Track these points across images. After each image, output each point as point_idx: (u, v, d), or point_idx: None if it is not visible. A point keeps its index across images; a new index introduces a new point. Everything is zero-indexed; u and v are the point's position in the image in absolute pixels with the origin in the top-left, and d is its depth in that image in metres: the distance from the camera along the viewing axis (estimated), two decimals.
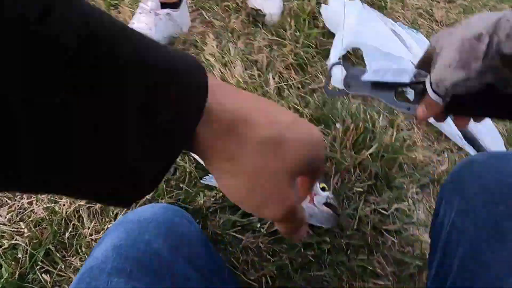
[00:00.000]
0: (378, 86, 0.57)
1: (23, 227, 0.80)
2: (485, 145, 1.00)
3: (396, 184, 0.87)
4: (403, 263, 0.84)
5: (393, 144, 0.89)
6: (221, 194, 0.83)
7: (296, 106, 0.90)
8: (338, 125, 0.87)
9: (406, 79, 0.53)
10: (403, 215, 0.87)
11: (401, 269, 0.84)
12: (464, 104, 0.50)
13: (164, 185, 0.85)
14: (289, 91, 0.93)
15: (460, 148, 1.00)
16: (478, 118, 0.53)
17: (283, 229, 0.38)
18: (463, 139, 0.99)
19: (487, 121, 1.03)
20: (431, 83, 0.48)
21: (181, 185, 0.85)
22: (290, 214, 0.34)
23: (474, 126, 1.01)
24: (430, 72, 0.48)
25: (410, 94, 0.56)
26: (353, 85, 0.60)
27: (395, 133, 0.90)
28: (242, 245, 0.80)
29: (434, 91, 0.48)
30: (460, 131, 0.99)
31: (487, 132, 1.03)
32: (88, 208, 0.83)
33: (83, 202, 0.82)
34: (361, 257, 0.82)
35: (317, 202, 0.80)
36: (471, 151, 1.01)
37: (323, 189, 0.81)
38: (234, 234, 0.81)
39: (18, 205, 0.85)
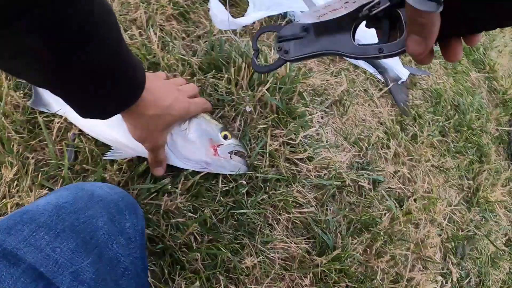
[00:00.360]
0: (326, 31, 0.44)
1: None
2: (382, 61, 1.02)
3: (299, 113, 0.87)
4: (322, 187, 0.86)
5: (289, 74, 0.88)
6: (125, 165, 0.79)
7: (183, 57, 0.86)
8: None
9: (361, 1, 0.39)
10: (312, 141, 0.87)
11: (322, 193, 0.85)
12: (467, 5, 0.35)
13: (69, 172, 0.79)
14: (173, 43, 0.89)
15: (356, 67, 1.02)
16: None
17: (150, 159, 0.74)
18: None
19: None
20: None
21: (86, 167, 0.80)
22: (155, 150, 0.72)
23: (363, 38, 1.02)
24: None
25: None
26: (292, 48, 0.47)
27: (288, 64, 0.89)
28: (162, 210, 0.77)
29: None
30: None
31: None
32: None
33: None
34: (280, 190, 0.82)
35: (221, 153, 0.78)
36: (369, 68, 1.03)
37: (225, 137, 0.79)
38: (151, 201, 0.78)
39: None
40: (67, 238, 0.47)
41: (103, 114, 0.58)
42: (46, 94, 0.83)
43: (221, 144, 0.78)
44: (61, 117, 0.83)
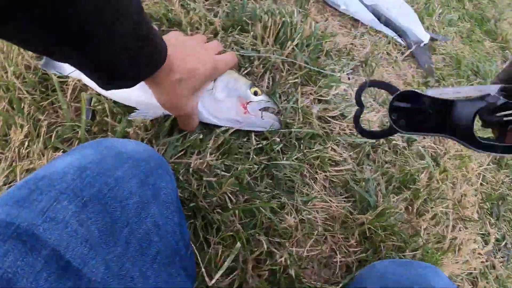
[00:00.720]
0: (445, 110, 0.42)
1: None
2: (401, 24, 1.01)
3: (328, 71, 0.83)
4: (357, 146, 0.82)
5: (314, 33, 0.85)
6: (149, 122, 0.72)
7: (207, 17, 0.82)
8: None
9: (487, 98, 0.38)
10: (343, 99, 0.84)
11: (357, 151, 0.81)
12: None
13: (86, 133, 0.72)
14: (194, 2, 0.85)
15: (377, 31, 1.00)
16: None
17: (180, 123, 0.70)
18: (377, 21, 0.99)
19: (400, 1, 1.04)
20: None
21: (106, 121, 0.73)
22: (186, 117, 0.68)
23: (386, 9, 1.02)
24: None
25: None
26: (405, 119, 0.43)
27: (313, 23, 0.87)
28: (192, 169, 0.70)
29: None
30: (374, 15, 0.99)
31: (401, 11, 1.04)
32: (9, 187, 0.67)
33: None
34: (315, 148, 0.78)
35: (252, 110, 0.73)
36: (389, 32, 1.02)
37: (255, 93, 0.74)
38: (179, 161, 0.71)
39: None
40: (95, 212, 0.38)
41: (124, 86, 0.52)
42: None
43: (251, 101, 0.73)
44: (76, 79, 0.76)
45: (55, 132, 0.71)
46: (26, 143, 0.70)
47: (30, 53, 0.77)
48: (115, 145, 0.47)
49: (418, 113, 0.42)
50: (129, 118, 0.72)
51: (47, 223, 0.34)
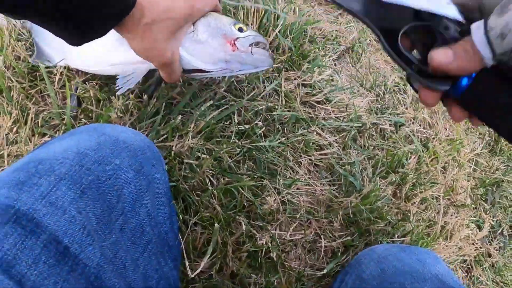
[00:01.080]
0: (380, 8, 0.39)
1: None
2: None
3: (312, 57, 0.83)
4: (342, 130, 0.80)
5: (298, 19, 0.85)
6: (131, 104, 0.72)
7: None
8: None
9: (447, 11, 0.35)
10: (327, 84, 0.83)
11: (343, 136, 0.80)
12: None
13: (72, 119, 0.73)
14: None
15: None
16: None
17: (162, 74, 0.63)
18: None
19: None
20: (486, 28, 0.31)
21: (91, 109, 0.74)
22: (166, 66, 0.60)
23: None
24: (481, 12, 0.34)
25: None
26: None
27: (298, 10, 0.86)
28: (174, 152, 0.70)
29: (488, 40, 0.31)
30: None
31: None
32: None
33: None
34: (299, 132, 0.77)
35: (241, 46, 0.66)
36: None
37: (240, 30, 0.67)
38: (161, 144, 0.71)
39: None
40: (93, 200, 0.38)
41: (94, 37, 0.50)
42: (48, 48, 0.78)
43: (239, 38, 0.67)
44: (63, 67, 0.77)
45: (41, 117, 0.71)
46: (14, 129, 0.71)
47: (21, 43, 0.79)
48: (113, 133, 0.47)
49: None
50: (117, 93, 0.71)
51: (47, 208, 0.34)
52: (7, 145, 0.71)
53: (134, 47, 0.57)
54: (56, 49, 0.78)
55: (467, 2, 0.35)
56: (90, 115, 0.74)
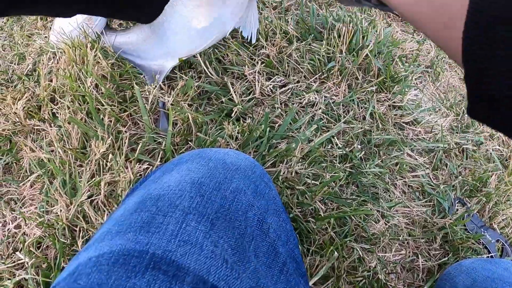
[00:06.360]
0: None
1: (22, 257, 0.61)
2: None
3: (401, 77, 0.83)
4: (430, 150, 0.82)
5: (384, 40, 0.85)
6: (238, 128, 0.72)
7: (281, 26, 0.82)
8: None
9: None
10: (415, 105, 0.84)
11: (431, 156, 0.81)
12: None
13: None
14: (265, 13, 0.84)
15: None
16: None
17: None
18: None
19: None
20: None
21: (188, 138, 0.73)
22: None
23: None
24: None
25: None
26: None
27: (382, 29, 0.86)
28: (282, 178, 0.70)
29: None
30: None
31: None
32: (91, 202, 0.66)
33: (83, 197, 0.65)
34: (393, 154, 0.78)
35: None
36: None
37: None
38: (268, 170, 0.71)
39: (4, 234, 0.66)
40: (224, 230, 0.35)
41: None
42: (148, 61, 0.77)
43: None
44: (153, 87, 0.75)
45: (141, 144, 0.70)
46: (107, 156, 0.69)
47: (106, 62, 0.76)
48: (218, 156, 0.44)
49: None
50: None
51: (182, 248, 0.31)
52: (102, 172, 0.69)
53: None
54: (158, 56, 0.76)
55: None
56: (189, 138, 0.72)
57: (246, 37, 0.70)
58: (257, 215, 0.41)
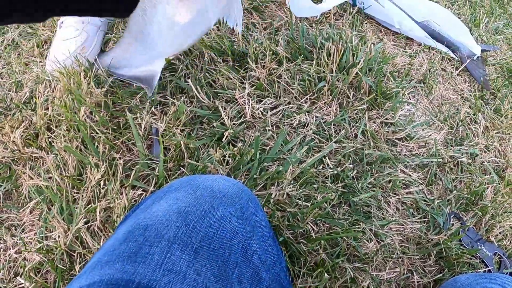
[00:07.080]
0: None
1: (23, 281, 0.63)
2: (452, 39, 1.01)
3: (392, 94, 0.83)
4: (424, 165, 0.82)
5: (374, 56, 0.85)
6: (228, 154, 0.73)
7: (271, 47, 0.82)
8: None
9: None
10: (407, 120, 0.84)
11: (425, 171, 0.81)
12: None
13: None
14: (255, 35, 0.85)
15: (431, 48, 1.00)
16: None
17: None
18: (430, 38, 0.98)
19: (450, 15, 1.03)
20: None
21: (181, 164, 0.74)
22: None
23: (437, 24, 1.01)
24: None
25: None
26: None
27: (372, 46, 0.86)
28: (273, 201, 0.71)
29: None
30: (426, 32, 0.98)
31: (451, 25, 1.02)
32: (88, 228, 0.68)
33: (80, 224, 0.67)
34: (385, 171, 0.78)
35: None
36: (442, 47, 1.00)
37: None
38: (258, 193, 0.72)
39: (5, 259, 0.68)
40: (208, 258, 0.37)
41: None
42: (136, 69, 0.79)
43: None
44: (146, 113, 0.77)
45: (134, 171, 0.71)
46: (102, 182, 0.71)
47: (100, 90, 0.78)
48: (206, 184, 0.45)
49: None
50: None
51: (166, 277, 0.33)
52: (98, 198, 0.71)
53: None
54: (146, 61, 0.77)
55: None
56: (181, 164, 0.74)
57: (231, 27, 0.68)
58: (242, 242, 0.42)
